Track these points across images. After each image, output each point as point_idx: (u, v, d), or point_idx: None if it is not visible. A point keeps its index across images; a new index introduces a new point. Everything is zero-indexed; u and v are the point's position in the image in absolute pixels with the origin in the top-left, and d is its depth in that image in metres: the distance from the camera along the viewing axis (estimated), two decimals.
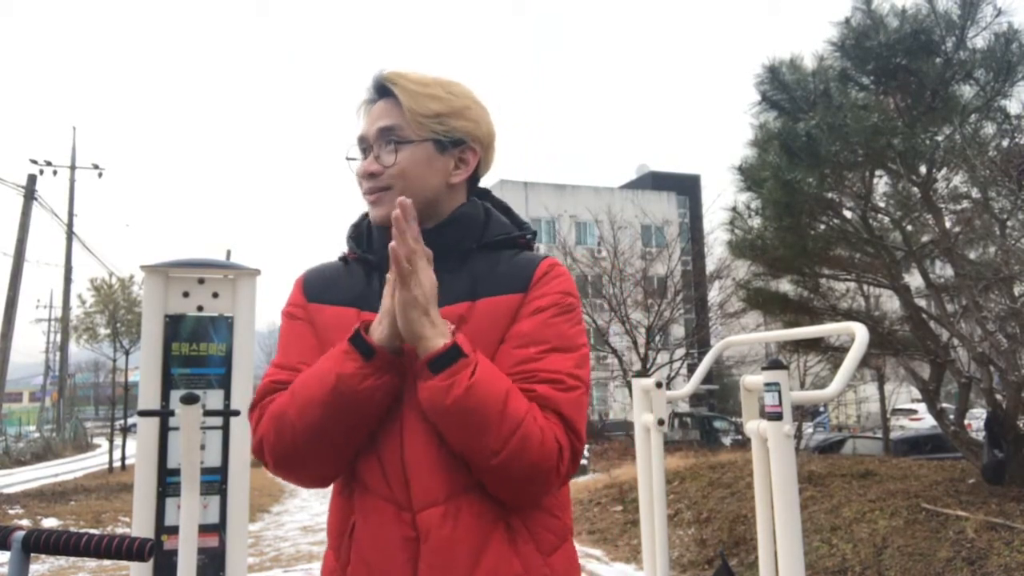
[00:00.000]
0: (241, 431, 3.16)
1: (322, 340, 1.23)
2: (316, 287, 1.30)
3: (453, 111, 1.24)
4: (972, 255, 6.75)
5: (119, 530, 10.04)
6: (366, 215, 1.32)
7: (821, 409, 21.79)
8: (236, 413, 3.03)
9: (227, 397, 3.18)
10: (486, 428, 1.05)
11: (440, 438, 1.11)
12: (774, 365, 2.07)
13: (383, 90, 1.25)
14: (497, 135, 1.32)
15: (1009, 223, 6.00)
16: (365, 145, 1.27)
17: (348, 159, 1.30)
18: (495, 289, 1.20)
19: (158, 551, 2.99)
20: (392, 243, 1.07)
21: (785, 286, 8.24)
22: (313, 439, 1.13)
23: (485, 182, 1.41)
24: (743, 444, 14.68)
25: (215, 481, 3.10)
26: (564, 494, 1.24)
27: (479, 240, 1.26)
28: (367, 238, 1.31)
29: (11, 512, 11.00)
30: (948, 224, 6.68)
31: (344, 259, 1.32)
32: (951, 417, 6.99)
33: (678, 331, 20.94)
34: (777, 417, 2.03)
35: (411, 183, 1.22)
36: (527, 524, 1.15)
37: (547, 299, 1.19)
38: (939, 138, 6.29)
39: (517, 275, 1.22)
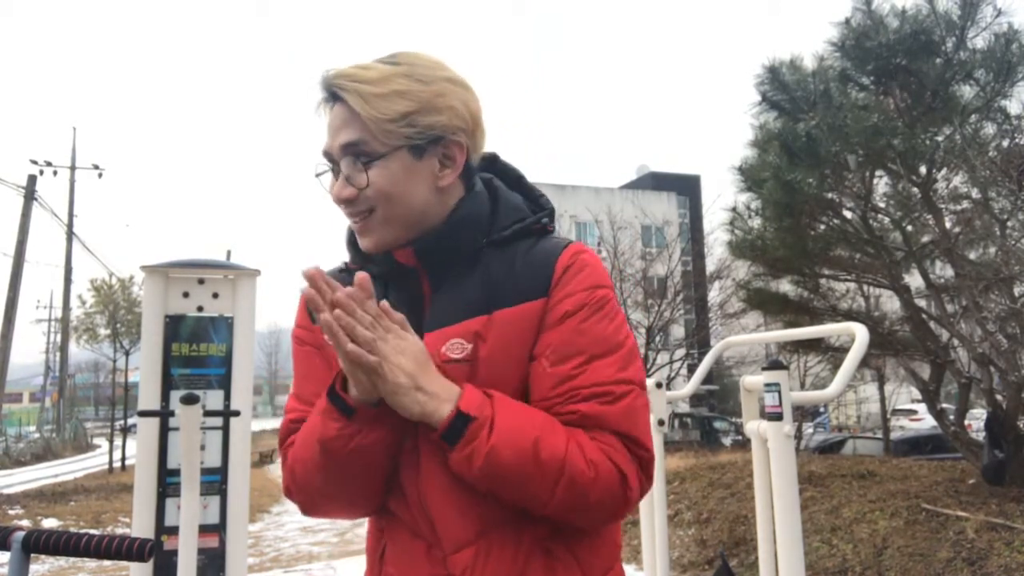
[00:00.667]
0: (241, 431, 3.16)
1: (333, 363, 1.09)
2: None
3: (423, 106, 1.04)
4: (972, 255, 6.75)
5: (119, 530, 10.04)
6: None
7: (821, 409, 21.79)
8: (236, 413, 3.03)
9: (227, 397, 3.18)
10: (525, 484, 0.96)
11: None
12: (774, 365, 2.07)
13: (336, 96, 1.05)
14: (482, 109, 1.11)
15: (1009, 223, 6.00)
16: (331, 161, 1.08)
17: (317, 175, 1.11)
18: (513, 297, 1.04)
19: (158, 551, 2.98)
20: (331, 336, 0.92)
21: (785, 286, 8.24)
22: (328, 494, 1.06)
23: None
24: (743, 444, 14.68)
25: (215, 481, 3.10)
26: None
27: (488, 235, 1.10)
28: None
29: (11, 512, 11.01)
30: (948, 224, 6.68)
31: (346, 269, 1.17)
32: (951, 417, 6.98)
33: (678, 331, 20.94)
34: (777, 417, 2.03)
35: (396, 202, 1.04)
36: (572, 550, 1.03)
37: (574, 299, 1.03)
38: (939, 138, 6.29)
39: (535, 276, 1.05)
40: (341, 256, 1.22)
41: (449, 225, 1.07)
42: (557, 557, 1.02)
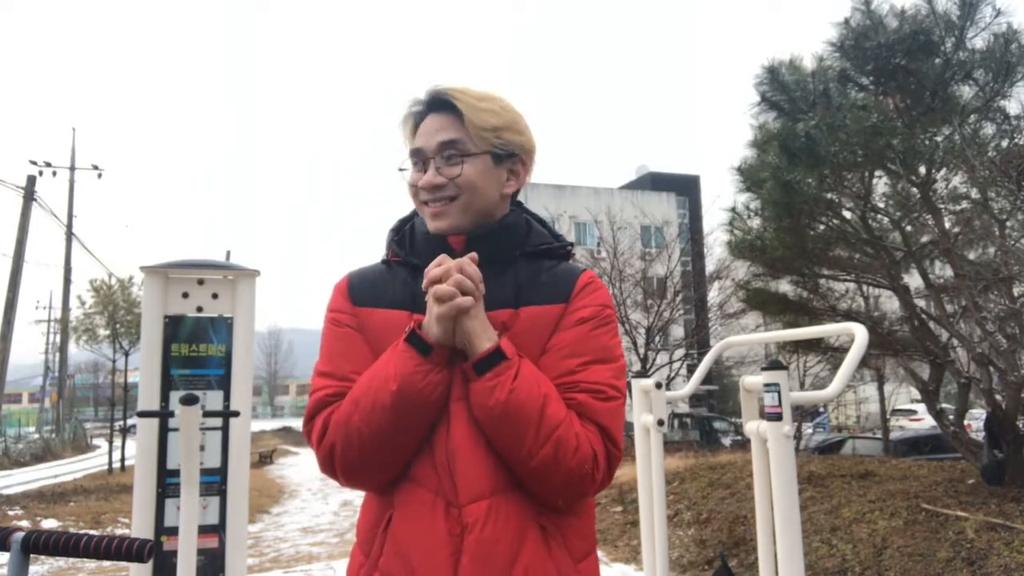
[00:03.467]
0: (241, 432, 3.16)
1: (375, 345, 1.26)
2: (363, 291, 1.31)
3: (507, 125, 1.29)
4: (971, 255, 6.75)
5: (118, 531, 10.03)
6: (408, 220, 1.39)
7: (821, 410, 21.79)
8: (236, 414, 3.03)
9: (227, 398, 3.18)
10: (525, 430, 1.11)
11: (484, 436, 1.15)
12: (773, 366, 2.06)
13: (440, 104, 1.29)
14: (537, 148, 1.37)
15: (1008, 223, 6.00)
16: (421, 158, 1.30)
17: (401, 170, 1.35)
18: (538, 298, 1.24)
19: (158, 552, 2.98)
20: (460, 270, 1.14)
21: (784, 287, 8.23)
22: (381, 443, 1.17)
23: None
24: (743, 445, 14.67)
25: (215, 482, 3.10)
26: (592, 503, 1.27)
27: (522, 248, 1.31)
28: (410, 241, 1.35)
29: (10, 513, 10.99)
30: (947, 224, 6.68)
31: (386, 262, 1.35)
32: (951, 417, 6.98)
33: (678, 332, 20.93)
34: (777, 418, 2.02)
35: (476, 193, 1.27)
36: (561, 529, 1.18)
37: (589, 311, 1.23)
38: (938, 138, 6.28)
39: (559, 285, 1.26)
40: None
41: (500, 226, 1.31)
42: (550, 533, 1.17)
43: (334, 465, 1.21)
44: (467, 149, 1.26)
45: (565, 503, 1.18)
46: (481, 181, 1.27)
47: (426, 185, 1.27)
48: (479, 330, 1.15)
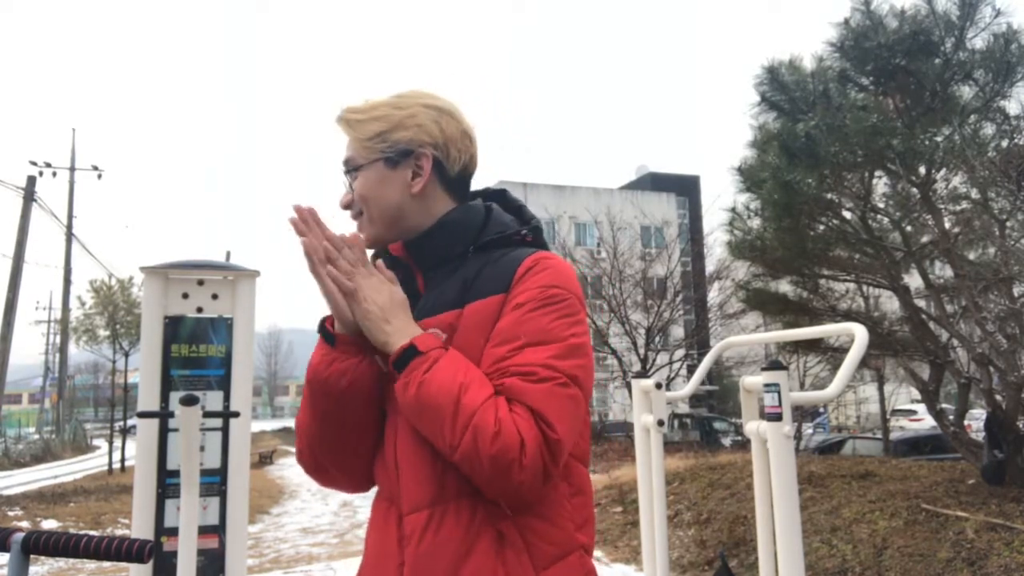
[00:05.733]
0: (241, 432, 3.16)
1: None
2: None
3: (394, 125, 1.26)
4: (971, 256, 6.75)
5: (119, 532, 10.03)
6: None
7: (821, 410, 21.78)
8: (236, 414, 3.03)
9: (227, 399, 3.18)
10: (441, 423, 1.06)
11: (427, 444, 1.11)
12: (774, 366, 2.06)
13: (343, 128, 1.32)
14: (462, 129, 1.30)
15: (1008, 224, 6.00)
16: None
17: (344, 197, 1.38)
18: (480, 292, 1.19)
19: (157, 553, 2.98)
20: (311, 263, 1.16)
21: (784, 287, 8.23)
22: (321, 439, 1.22)
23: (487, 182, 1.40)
24: (743, 445, 14.67)
25: (215, 482, 3.10)
26: (578, 505, 1.17)
27: (474, 243, 1.25)
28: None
29: (10, 514, 10.99)
30: (947, 225, 6.68)
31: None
32: (951, 418, 6.98)
33: (678, 332, 20.94)
34: (777, 418, 2.02)
35: (372, 204, 1.26)
36: (523, 534, 1.10)
37: (525, 295, 1.15)
38: (938, 139, 6.28)
39: (500, 275, 1.19)
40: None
41: (436, 225, 1.26)
42: (507, 538, 1.09)
43: (304, 464, 1.28)
44: (356, 163, 1.28)
45: (504, 499, 1.08)
46: (375, 191, 1.26)
47: (340, 205, 1.32)
48: (389, 331, 1.14)
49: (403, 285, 1.24)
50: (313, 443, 1.23)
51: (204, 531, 2.99)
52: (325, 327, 1.21)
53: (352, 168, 1.29)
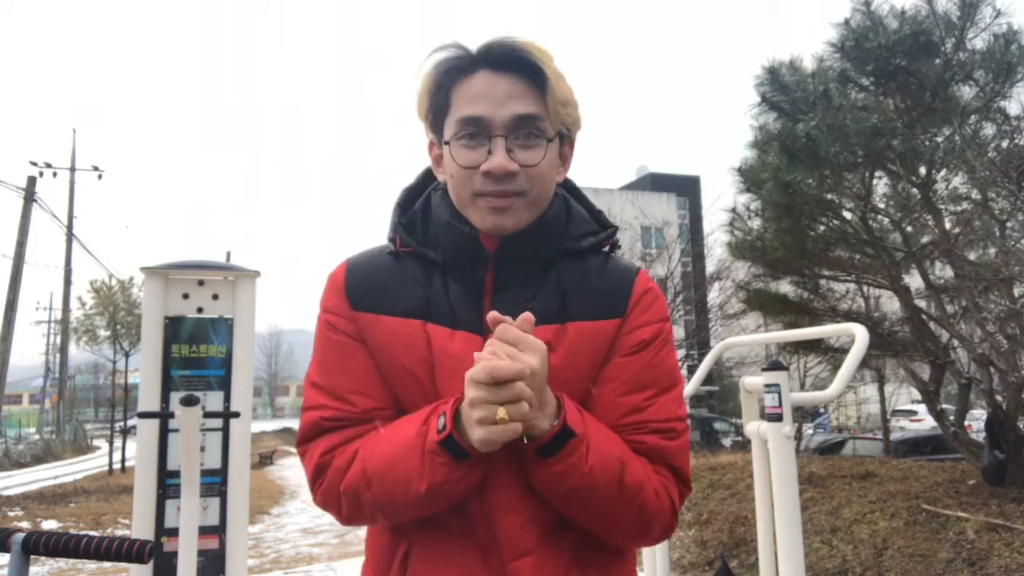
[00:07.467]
0: (241, 433, 3.16)
1: (380, 359, 1.04)
2: (364, 292, 1.06)
3: (574, 99, 1.04)
4: (972, 256, 6.75)
5: (119, 532, 10.03)
6: (418, 193, 1.12)
7: (821, 410, 21.78)
8: (236, 415, 3.03)
9: (227, 399, 3.18)
10: (606, 504, 0.97)
11: (528, 484, 0.99)
12: (774, 366, 2.07)
13: (507, 63, 0.99)
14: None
15: (1009, 224, 5.99)
16: (482, 130, 0.99)
17: (445, 143, 1.02)
18: (588, 311, 1.03)
19: (158, 553, 2.98)
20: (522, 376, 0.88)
21: (785, 287, 8.23)
22: (397, 518, 1.03)
23: None
24: (743, 445, 14.67)
25: (215, 483, 3.10)
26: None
27: (563, 243, 1.07)
28: (423, 227, 1.09)
29: (11, 514, 11.00)
30: (948, 225, 6.68)
31: (394, 252, 1.08)
32: (951, 418, 6.98)
33: (678, 332, 20.93)
34: (777, 418, 2.03)
35: (545, 189, 1.03)
36: (603, 564, 1.07)
37: (650, 330, 1.04)
38: (939, 139, 6.29)
39: (612, 295, 1.05)
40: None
41: (541, 223, 1.04)
42: (592, 568, 1.04)
43: (336, 515, 1.05)
44: (546, 130, 1.00)
45: (641, 546, 1.08)
46: (550, 172, 1.02)
47: (499, 171, 0.97)
48: (538, 410, 0.92)
49: (464, 280, 1.05)
50: (383, 519, 1.03)
51: (204, 531, 2.99)
52: (454, 440, 0.92)
53: (540, 133, 0.99)
